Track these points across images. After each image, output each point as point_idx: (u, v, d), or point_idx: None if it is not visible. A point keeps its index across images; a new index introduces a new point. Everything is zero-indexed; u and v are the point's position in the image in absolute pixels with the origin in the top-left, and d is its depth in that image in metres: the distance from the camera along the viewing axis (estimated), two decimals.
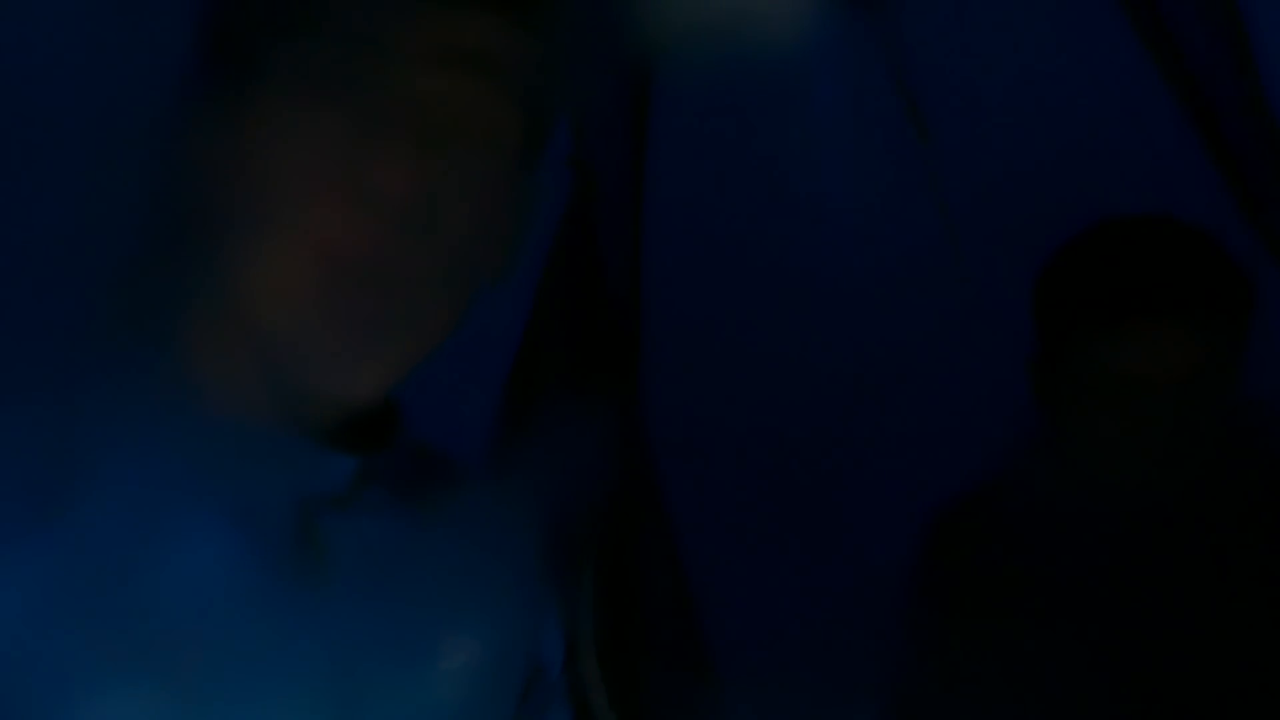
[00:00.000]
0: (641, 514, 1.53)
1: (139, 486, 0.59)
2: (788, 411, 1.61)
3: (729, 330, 1.62)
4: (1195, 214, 1.37)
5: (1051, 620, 1.31)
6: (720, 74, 1.54)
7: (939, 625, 1.36)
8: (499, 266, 0.65)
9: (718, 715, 1.48)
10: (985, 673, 1.30)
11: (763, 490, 1.64)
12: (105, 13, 0.60)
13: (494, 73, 0.61)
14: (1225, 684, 1.28)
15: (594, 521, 1.41)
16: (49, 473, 0.59)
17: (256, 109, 0.60)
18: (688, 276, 1.61)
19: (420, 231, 0.60)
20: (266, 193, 0.59)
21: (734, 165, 1.59)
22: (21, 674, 0.56)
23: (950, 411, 1.56)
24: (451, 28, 0.60)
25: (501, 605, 0.68)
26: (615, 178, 1.49)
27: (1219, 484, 1.32)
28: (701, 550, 1.60)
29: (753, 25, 1.44)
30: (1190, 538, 1.32)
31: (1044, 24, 1.47)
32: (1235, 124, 1.40)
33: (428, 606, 0.65)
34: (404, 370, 0.63)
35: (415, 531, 0.66)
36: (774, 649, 1.56)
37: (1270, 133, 1.36)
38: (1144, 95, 1.46)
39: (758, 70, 1.50)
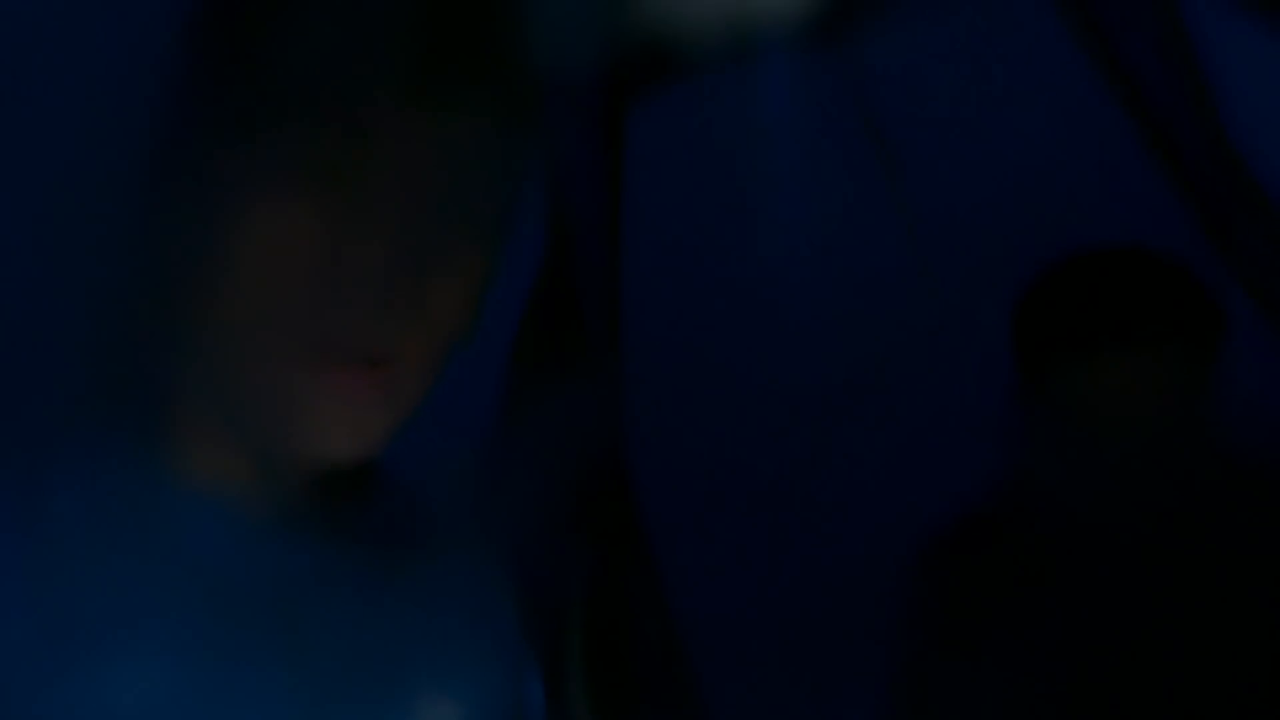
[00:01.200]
0: (627, 558, 1.54)
1: (110, 568, 0.59)
2: (767, 438, 1.63)
3: (708, 362, 1.64)
4: (1159, 239, 1.40)
5: (1042, 647, 1.32)
6: (692, 108, 1.56)
7: (934, 656, 1.37)
8: (476, 322, 0.66)
9: None
10: (981, 703, 1.31)
11: (747, 520, 1.65)
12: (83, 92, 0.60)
13: (486, 157, 0.63)
14: (1214, 707, 1.30)
15: (579, 568, 1.43)
16: (17, 557, 0.59)
17: (240, 183, 0.60)
18: (665, 310, 1.63)
19: (410, 306, 0.61)
20: (252, 266, 0.60)
21: (708, 198, 1.61)
22: None
23: (921, 429, 1.59)
24: (445, 115, 0.61)
25: (480, 661, 0.69)
26: (590, 217, 1.51)
27: (1196, 508, 1.34)
28: (688, 590, 1.61)
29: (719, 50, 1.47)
30: (1169, 562, 1.33)
31: (1006, 60, 1.50)
32: (1196, 154, 1.42)
33: (403, 665, 0.66)
34: (390, 433, 0.64)
35: (390, 589, 0.66)
36: (765, 687, 1.57)
37: (1229, 162, 1.38)
38: (1107, 126, 1.49)
39: (729, 105, 1.53)
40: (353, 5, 0.59)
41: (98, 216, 0.61)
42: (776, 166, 1.56)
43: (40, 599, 0.59)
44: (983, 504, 1.43)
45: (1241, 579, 1.32)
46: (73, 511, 0.60)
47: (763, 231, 1.58)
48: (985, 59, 1.51)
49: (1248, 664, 1.31)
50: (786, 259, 1.57)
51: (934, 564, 1.42)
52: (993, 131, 1.53)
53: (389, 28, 0.60)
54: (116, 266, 0.61)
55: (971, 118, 1.54)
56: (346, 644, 0.64)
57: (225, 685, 0.60)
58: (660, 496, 1.61)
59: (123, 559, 0.60)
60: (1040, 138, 1.54)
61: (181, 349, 0.61)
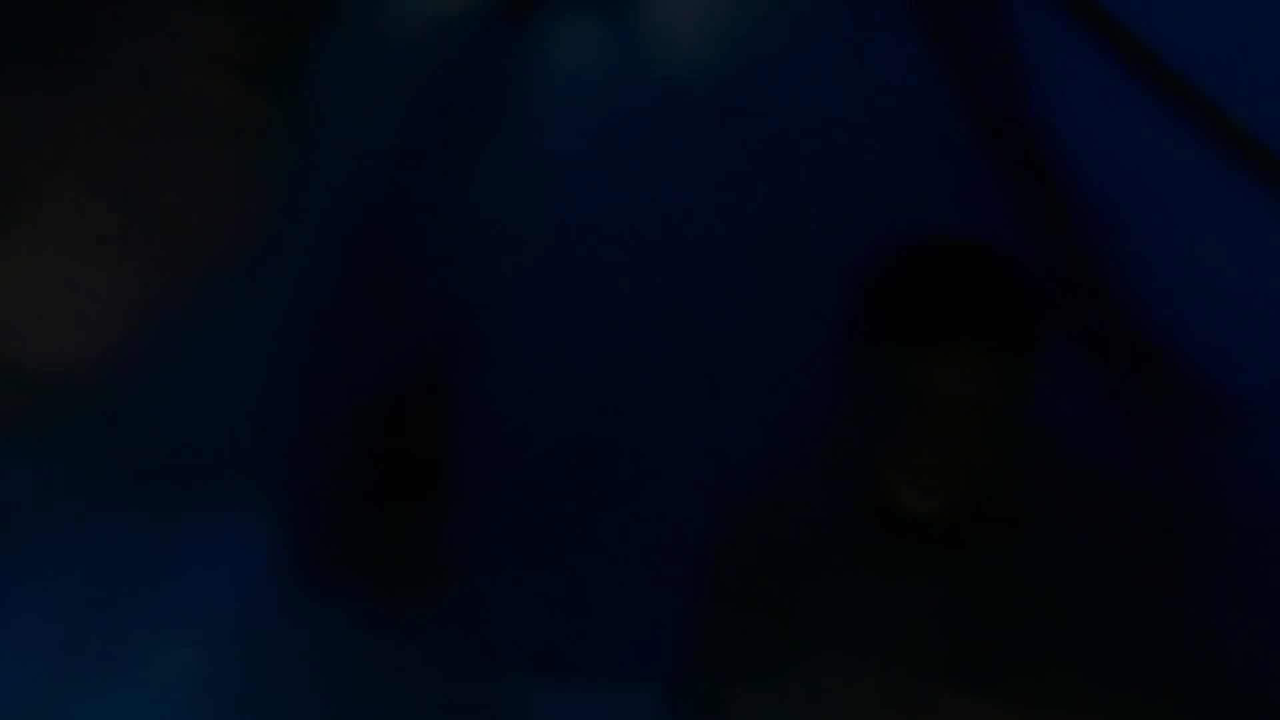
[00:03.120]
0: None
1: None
2: (580, 395, 1.67)
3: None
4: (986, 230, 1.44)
5: (829, 625, 1.34)
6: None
7: (720, 621, 1.39)
8: (235, 250, 0.66)
9: None
10: (765, 670, 1.33)
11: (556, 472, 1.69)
12: None
13: (251, 74, 0.63)
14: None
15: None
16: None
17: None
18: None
19: (153, 212, 0.61)
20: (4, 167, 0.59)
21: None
22: None
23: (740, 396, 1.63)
24: (213, 32, 0.62)
25: None
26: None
27: (1011, 507, 1.37)
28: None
29: None
30: (978, 558, 1.36)
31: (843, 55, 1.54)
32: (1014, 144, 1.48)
33: None
34: (120, 341, 0.63)
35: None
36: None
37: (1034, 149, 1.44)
38: (939, 119, 1.54)
39: None
40: None
41: None
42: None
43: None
44: (780, 469, 1.45)
45: (1043, 586, 1.35)
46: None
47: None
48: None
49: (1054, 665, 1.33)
50: (610, 228, 1.59)
51: (725, 530, 1.44)
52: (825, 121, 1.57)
53: None
54: None
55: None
56: None
57: None
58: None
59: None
60: (874, 129, 1.57)
61: None
